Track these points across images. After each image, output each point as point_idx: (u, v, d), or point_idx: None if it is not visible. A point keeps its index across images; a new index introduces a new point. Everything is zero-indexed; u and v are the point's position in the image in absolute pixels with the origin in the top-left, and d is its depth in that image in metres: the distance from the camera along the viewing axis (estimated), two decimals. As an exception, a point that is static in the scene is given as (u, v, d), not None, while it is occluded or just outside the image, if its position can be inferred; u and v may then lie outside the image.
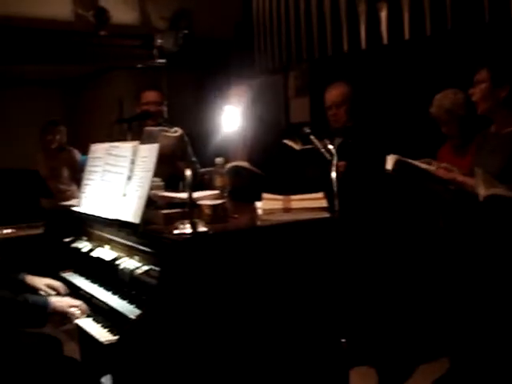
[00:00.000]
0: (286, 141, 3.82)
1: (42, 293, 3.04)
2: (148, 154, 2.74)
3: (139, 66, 6.79)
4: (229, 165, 3.59)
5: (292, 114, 5.92)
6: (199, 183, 3.29)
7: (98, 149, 3.27)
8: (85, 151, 6.18)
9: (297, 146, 3.75)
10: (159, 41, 6.42)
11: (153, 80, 6.50)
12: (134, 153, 2.85)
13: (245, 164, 3.93)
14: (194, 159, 4.19)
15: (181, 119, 4.48)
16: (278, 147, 3.96)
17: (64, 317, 2.78)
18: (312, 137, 3.05)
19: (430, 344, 4.13)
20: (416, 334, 4.09)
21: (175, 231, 2.38)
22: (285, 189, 3.02)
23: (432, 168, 3.23)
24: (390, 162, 3.17)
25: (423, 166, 3.23)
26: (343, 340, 2.69)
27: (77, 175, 6.08)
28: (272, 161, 3.99)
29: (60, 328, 3.05)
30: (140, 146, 2.85)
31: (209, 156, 3.97)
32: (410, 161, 3.19)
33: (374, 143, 3.83)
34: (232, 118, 4.12)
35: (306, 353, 2.65)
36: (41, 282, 3.08)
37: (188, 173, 2.43)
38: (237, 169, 3.72)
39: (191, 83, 6.94)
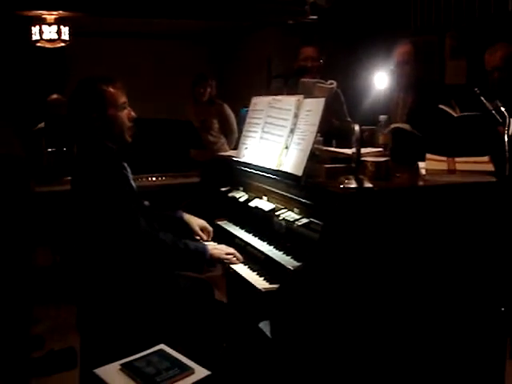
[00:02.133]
0: (442, 106, 3.69)
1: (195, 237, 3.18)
2: (313, 107, 2.74)
3: (290, 22, 6.78)
4: (390, 126, 3.52)
5: (447, 75, 5.71)
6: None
7: (260, 101, 3.30)
8: (233, 105, 6.34)
9: (454, 113, 3.62)
10: (312, -3, 6.37)
11: (304, 37, 6.49)
12: (298, 106, 2.86)
13: (406, 126, 3.83)
14: (348, 119, 4.16)
15: (331, 77, 4.43)
16: (438, 110, 3.83)
17: (212, 263, 2.90)
18: (482, 98, 2.93)
19: None
20: None
21: (341, 185, 2.37)
22: (443, 153, 2.93)
23: None
24: None
25: None
26: (503, 309, 2.61)
27: (226, 128, 6.24)
28: (432, 123, 3.86)
29: (205, 274, 3.17)
30: (304, 100, 2.85)
31: (360, 116, 3.91)
32: None
33: None
34: (386, 78, 4.02)
35: (465, 320, 2.58)
36: (196, 223, 3.21)
37: (356, 128, 2.41)
38: (398, 130, 3.64)
39: (341, 41, 6.85)
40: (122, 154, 2.90)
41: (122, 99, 2.89)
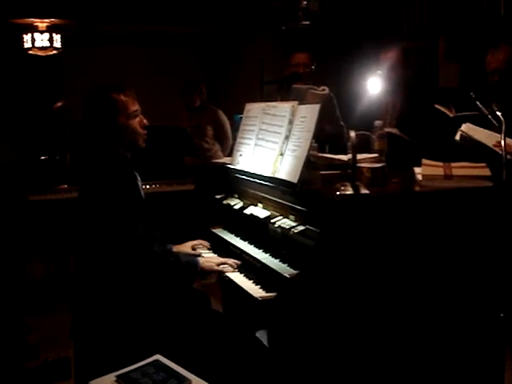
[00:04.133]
0: (438, 106, 3.68)
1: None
2: (308, 114, 2.72)
3: (283, 28, 6.76)
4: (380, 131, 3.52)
5: (441, 79, 5.71)
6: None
7: (254, 108, 3.28)
8: (226, 111, 6.31)
9: (450, 113, 3.61)
10: (304, 2, 6.34)
11: (296, 42, 6.46)
12: (293, 113, 2.84)
13: (395, 130, 3.83)
14: (342, 123, 4.15)
15: (323, 83, 4.42)
16: (428, 113, 3.83)
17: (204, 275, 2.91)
18: (478, 102, 2.91)
19: None
20: None
21: (338, 192, 2.35)
22: (434, 156, 2.93)
23: (491, 144, 3.14)
24: (459, 132, 3.26)
25: (486, 137, 3.17)
26: (502, 315, 2.59)
27: (221, 134, 6.20)
28: (421, 127, 3.87)
29: (199, 283, 3.16)
30: (299, 106, 2.83)
31: (354, 121, 3.91)
32: (472, 135, 3.19)
33: None
34: (378, 83, 4.02)
35: (463, 326, 2.57)
36: (186, 249, 3.19)
37: (352, 134, 2.39)
38: (388, 135, 3.64)
39: (334, 46, 6.85)
40: (134, 162, 2.91)
41: (134, 107, 2.90)
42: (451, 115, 3.59)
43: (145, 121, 2.94)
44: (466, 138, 3.27)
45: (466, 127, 3.29)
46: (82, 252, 2.88)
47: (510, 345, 3.63)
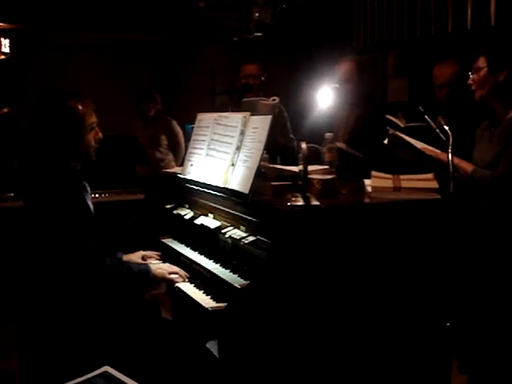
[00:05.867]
0: (389, 116, 3.73)
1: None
2: (260, 125, 2.73)
3: (235, 39, 6.78)
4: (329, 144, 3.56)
5: (389, 93, 5.79)
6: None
7: (206, 118, 3.28)
8: (179, 121, 6.28)
9: (401, 123, 3.66)
10: (256, 14, 6.37)
11: (248, 53, 6.49)
12: (244, 123, 2.85)
13: (342, 146, 3.86)
14: (291, 136, 4.18)
15: (273, 94, 4.46)
16: (381, 127, 3.88)
17: (156, 282, 2.89)
18: (426, 116, 2.97)
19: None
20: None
21: (288, 203, 2.36)
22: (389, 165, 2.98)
23: (419, 146, 3.28)
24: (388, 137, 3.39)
25: (414, 142, 3.28)
26: (448, 324, 2.63)
27: (174, 145, 6.19)
28: (374, 141, 3.92)
29: (149, 294, 3.13)
30: (251, 117, 2.84)
31: (304, 133, 3.94)
32: (403, 136, 3.30)
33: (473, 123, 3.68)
34: (329, 95, 4.05)
35: (409, 335, 2.61)
36: (136, 257, 3.16)
37: (303, 145, 2.41)
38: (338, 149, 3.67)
39: (286, 58, 6.90)
40: (83, 173, 2.83)
41: (91, 119, 2.79)
42: (402, 125, 3.64)
43: (100, 134, 2.85)
44: (393, 139, 3.33)
45: (400, 133, 3.38)
46: (26, 263, 2.81)
47: (457, 353, 3.71)
